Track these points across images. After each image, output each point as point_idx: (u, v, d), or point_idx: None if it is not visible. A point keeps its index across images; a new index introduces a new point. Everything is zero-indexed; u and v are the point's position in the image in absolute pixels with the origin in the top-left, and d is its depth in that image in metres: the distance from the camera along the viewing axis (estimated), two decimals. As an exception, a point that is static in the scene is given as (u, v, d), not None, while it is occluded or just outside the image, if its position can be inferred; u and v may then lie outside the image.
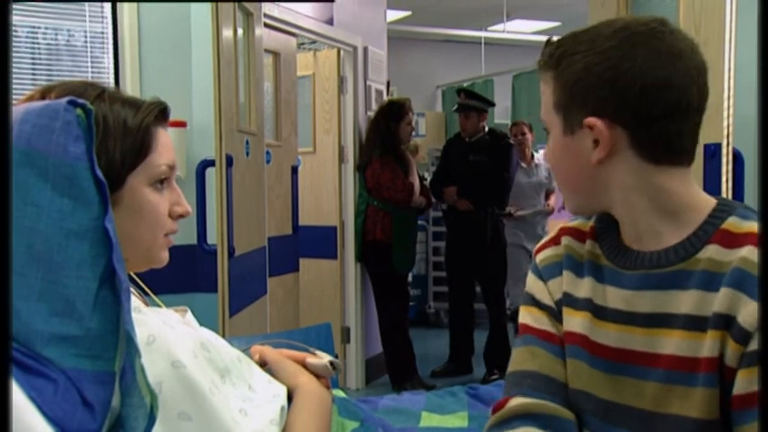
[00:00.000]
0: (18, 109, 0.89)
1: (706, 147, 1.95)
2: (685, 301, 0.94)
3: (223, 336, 1.35)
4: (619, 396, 1.00)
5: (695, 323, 0.93)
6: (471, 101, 4.58)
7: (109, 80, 2.94)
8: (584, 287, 1.06)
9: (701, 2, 1.99)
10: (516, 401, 1.04)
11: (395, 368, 4.31)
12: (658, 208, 0.98)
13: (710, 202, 0.99)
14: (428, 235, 6.21)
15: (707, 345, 0.91)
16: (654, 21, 0.96)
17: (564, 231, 1.13)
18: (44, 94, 0.97)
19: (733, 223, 0.95)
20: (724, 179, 1.94)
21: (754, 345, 0.88)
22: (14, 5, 2.65)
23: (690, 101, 0.95)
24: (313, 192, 4.51)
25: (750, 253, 0.90)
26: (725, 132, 1.91)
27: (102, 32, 2.97)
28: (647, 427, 0.97)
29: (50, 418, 0.78)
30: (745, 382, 0.88)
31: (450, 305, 4.84)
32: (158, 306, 1.09)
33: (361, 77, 4.54)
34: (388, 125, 4.21)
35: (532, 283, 1.14)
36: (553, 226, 3.53)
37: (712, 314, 0.91)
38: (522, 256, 5.07)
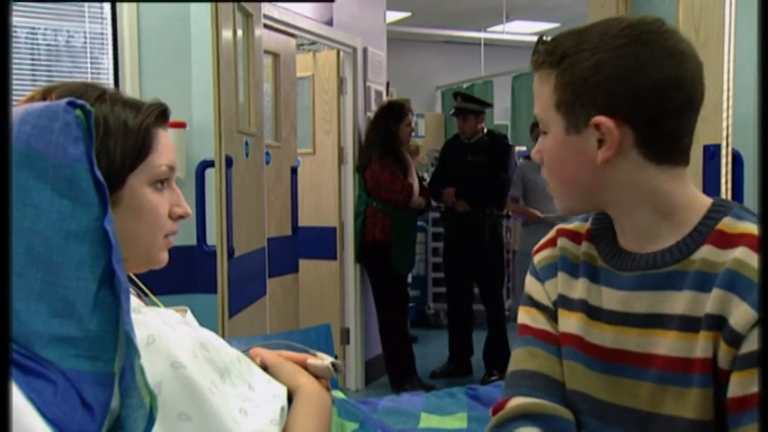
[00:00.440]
0: (18, 110, 0.89)
1: (705, 147, 1.95)
2: (680, 302, 0.94)
3: (223, 337, 1.35)
4: (615, 396, 1.00)
5: (689, 324, 0.93)
6: (468, 104, 4.57)
7: (108, 81, 2.94)
8: (578, 288, 1.06)
9: (700, 2, 1.99)
10: (516, 402, 1.04)
11: (394, 369, 4.31)
12: (656, 208, 0.98)
13: (706, 202, 0.99)
14: (428, 236, 6.21)
15: (700, 346, 0.91)
16: (656, 20, 0.96)
17: (560, 233, 1.13)
18: (45, 94, 0.97)
19: (728, 224, 0.95)
20: (723, 180, 1.93)
21: (746, 347, 0.87)
22: (14, 6, 2.64)
23: (695, 99, 0.96)
24: (312, 192, 4.51)
25: (743, 254, 0.90)
26: (724, 133, 1.91)
27: (102, 33, 2.97)
28: (643, 427, 0.97)
29: (50, 420, 0.78)
30: (739, 386, 0.88)
31: (449, 306, 4.84)
32: (157, 306, 1.09)
33: (361, 78, 4.54)
34: (387, 126, 4.21)
35: (530, 284, 1.14)
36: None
37: (704, 315, 0.91)
38: None
